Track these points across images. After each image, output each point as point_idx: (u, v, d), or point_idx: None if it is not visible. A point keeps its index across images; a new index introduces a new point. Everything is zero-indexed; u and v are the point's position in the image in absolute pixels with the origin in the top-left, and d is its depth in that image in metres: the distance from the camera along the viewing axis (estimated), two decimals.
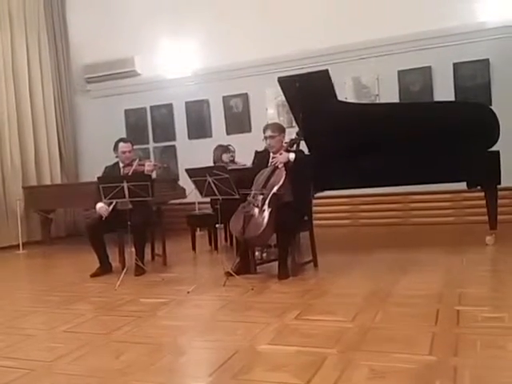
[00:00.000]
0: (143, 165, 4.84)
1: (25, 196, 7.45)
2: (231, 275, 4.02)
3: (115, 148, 5.00)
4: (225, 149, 6.29)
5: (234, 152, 6.53)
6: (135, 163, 4.85)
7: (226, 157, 6.20)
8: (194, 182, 4.20)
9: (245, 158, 6.33)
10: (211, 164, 5.91)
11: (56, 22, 8.35)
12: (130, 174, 4.71)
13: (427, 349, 2.33)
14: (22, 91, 7.73)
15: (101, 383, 2.22)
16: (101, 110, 8.80)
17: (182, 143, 8.36)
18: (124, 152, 4.93)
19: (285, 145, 4.40)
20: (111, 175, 4.81)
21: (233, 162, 6.48)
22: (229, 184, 3.99)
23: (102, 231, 4.76)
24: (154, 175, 4.88)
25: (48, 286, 4.56)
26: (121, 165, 4.97)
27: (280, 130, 4.43)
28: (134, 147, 5.15)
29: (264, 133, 4.42)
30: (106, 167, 5.06)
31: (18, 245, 6.98)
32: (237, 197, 4.04)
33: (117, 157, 5.02)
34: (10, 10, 7.62)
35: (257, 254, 4.70)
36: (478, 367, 2.11)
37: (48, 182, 7.98)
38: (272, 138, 4.35)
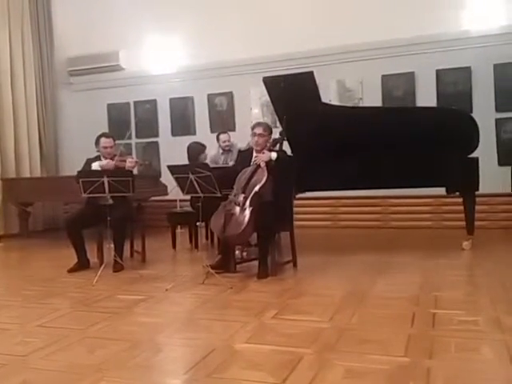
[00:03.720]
0: (124, 161, 4.80)
1: (3, 188, 7.33)
2: (210, 270, 4.00)
3: (97, 143, 4.95)
4: (201, 149, 5.80)
5: (229, 140, 6.24)
6: (116, 158, 4.81)
7: (203, 157, 5.74)
8: (176, 179, 4.18)
9: None
10: (186, 161, 5.63)
11: (40, 14, 8.21)
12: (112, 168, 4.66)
13: (402, 350, 2.36)
14: (3, 82, 7.59)
15: (75, 379, 2.20)
16: (83, 104, 8.70)
17: (165, 140, 8.30)
18: (106, 147, 4.87)
19: (268, 144, 4.42)
20: (91, 170, 4.75)
21: (229, 150, 6.23)
22: (211, 182, 3.98)
23: (81, 226, 4.71)
24: (135, 171, 4.84)
25: (24, 279, 4.49)
26: (102, 159, 4.92)
27: (269, 130, 4.49)
28: (116, 142, 5.09)
29: (253, 129, 4.44)
30: (88, 159, 4.99)
31: None
32: (218, 195, 4.04)
33: (98, 151, 4.97)
34: None
35: (237, 252, 4.70)
36: (452, 369, 2.14)
37: (27, 175, 7.84)
38: (261, 136, 4.38)
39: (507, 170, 6.26)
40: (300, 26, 7.18)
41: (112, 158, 4.82)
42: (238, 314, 3.08)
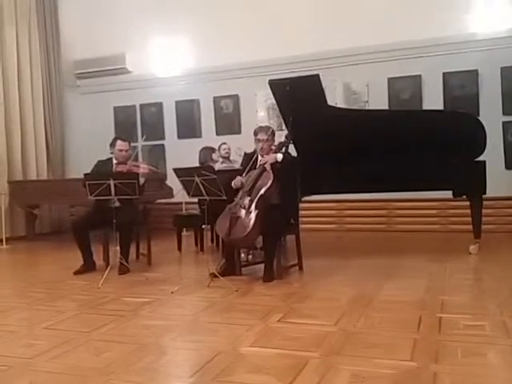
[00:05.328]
0: (138, 166, 4.81)
1: (10, 191, 7.36)
2: (216, 276, 4.01)
3: (112, 144, 4.97)
4: (212, 149, 6.25)
5: (229, 149, 6.51)
6: (129, 163, 4.81)
7: (215, 156, 6.18)
8: (182, 181, 4.19)
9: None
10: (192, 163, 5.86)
11: (47, 17, 8.25)
12: (124, 172, 4.66)
13: (408, 355, 2.35)
14: (11, 85, 7.63)
15: (81, 381, 2.20)
16: (90, 107, 8.74)
17: (171, 142, 8.32)
18: (121, 150, 4.88)
19: (273, 147, 4.42)
20: (98, 172, 4.76)
21: (228, 158, 6.44)
22: (216, 185, 3.98)
23: (87, 228, 4.72)
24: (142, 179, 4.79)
25: (30, 282, 4.51)
26: (114, 161, 4.93)
27: (272, 133, 4.47)
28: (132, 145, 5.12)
29: (256, 135, 4.43)
30: (99, 161, 5.00)
31: (2, 240, 6.89)
32: (224, 198, 4.04)
33: (111, 153, 4.98)
34: (1, 3, 7.54)
35: (242, 255, 4.69)
36: (458, 374, 2.13)
37: (34, 178, 7.88)
38: (266, 141, 4.38)
39: None
40: (306, 29, 7.19)
41: (125, 162, 4.82)
42: (244, 318, 3.07)
